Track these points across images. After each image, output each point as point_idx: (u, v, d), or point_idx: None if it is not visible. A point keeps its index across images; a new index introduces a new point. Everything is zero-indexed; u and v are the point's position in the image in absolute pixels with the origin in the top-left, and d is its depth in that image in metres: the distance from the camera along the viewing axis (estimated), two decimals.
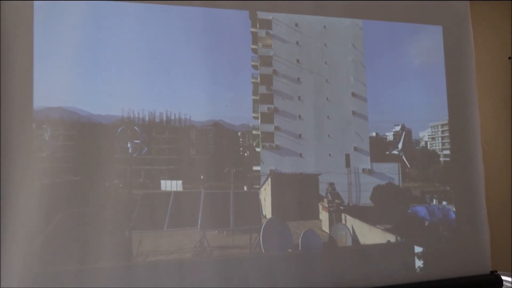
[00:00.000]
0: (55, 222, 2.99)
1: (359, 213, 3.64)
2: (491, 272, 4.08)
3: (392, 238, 3.56)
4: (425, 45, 4.23)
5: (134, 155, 3.26)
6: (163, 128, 3.42)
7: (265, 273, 3.00)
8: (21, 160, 3.03)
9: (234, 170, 3.47)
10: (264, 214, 3.35)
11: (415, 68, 4.13)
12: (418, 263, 3.75)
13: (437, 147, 4.15)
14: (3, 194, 2.94)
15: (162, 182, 3.37)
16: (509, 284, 4.13)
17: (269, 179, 3.47)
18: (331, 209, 3.37)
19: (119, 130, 3.25)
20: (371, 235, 3.57)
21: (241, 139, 3.62)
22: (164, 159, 3.43)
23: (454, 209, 4.01)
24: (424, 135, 4.14)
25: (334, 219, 3.49)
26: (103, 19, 3.37)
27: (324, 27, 3.89)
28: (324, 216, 3.45)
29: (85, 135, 3.25)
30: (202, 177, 3.37)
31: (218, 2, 3.58)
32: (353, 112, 3.87)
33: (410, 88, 4.07)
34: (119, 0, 3.38)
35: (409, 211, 3.88)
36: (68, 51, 3.24)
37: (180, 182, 3.38)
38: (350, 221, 3.44)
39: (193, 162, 3.45)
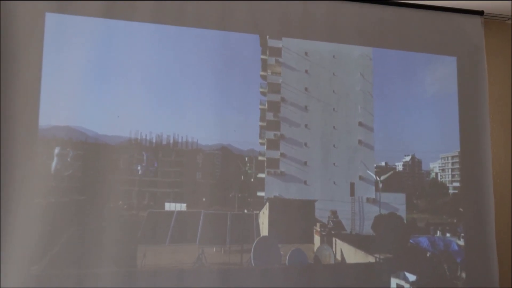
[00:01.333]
0: (61, 240, 3.02)
1: (358, 241, 3.60)
2: None
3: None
4: (439, 75, 4.17)
5: (142, 174, 3.28)
6: (170, 151, 3.41)
7: (253, 284, 3.07)
8: (27, 177, 3.01)
9: (240, 195, 3.48)
10: (261, 235, 3.37)
11: (427, 98, 4.08)
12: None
13: (447, 179, 4.09)
14: (6, 211, 2.92)
15: (167, 204, 3.34)
16: None
17: (267, 204, 3.47)
18: (323, 233, 3.41)
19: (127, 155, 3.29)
20: (356, 257, 3.55)
21: (248, 164, 3.61)
22: (170, 182, 3.40)
23: (459, 241, 3.91)
24: (434, 166, 4.09)
25: (326, 243, 3.47)
26: (114, 38, 3.37)
27: (334, 56, 3.87)
28: (316, 239, 3.48)
29: (91, 155, 3.24)
30: (204, 199, 3.38)
31: (229, 24, 3.59)
32: (360, 142, 3.82)
33: (422, 118, 4.02)
34: (132, 21, 3.39)
35: (411, 241, 3.82)
36: (77, 70, 3.24)
37: (184, 205, 3.39)
38: (340, 244, 3.45)
39: (198, 186, 3.42)
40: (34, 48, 3.17)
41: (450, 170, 4.09)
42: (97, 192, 3.19)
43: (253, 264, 3.10)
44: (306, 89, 3.80)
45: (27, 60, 3.14)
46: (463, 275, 3.86)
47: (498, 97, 4.40)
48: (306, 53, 3.84)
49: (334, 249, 3.47)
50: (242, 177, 3.49)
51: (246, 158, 3.60)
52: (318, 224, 3.51)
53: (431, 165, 4.09)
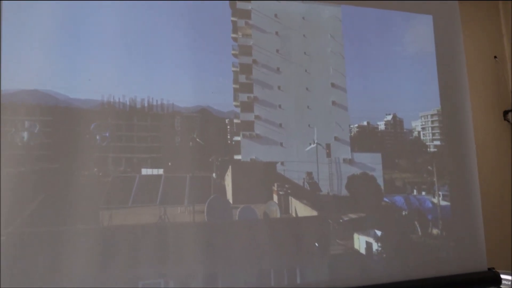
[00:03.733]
0: (32, 208, 2.81)
1: (333, 202, 3.56)
2: (489, 269, 3.93)
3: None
4: (415, 34, 4.13)
5: (104, 143, 3.09)
6: (145, 115, 3.19)
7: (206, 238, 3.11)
8: None
9: (220, 159, 3.35)
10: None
11: (405, 57, 4.05)
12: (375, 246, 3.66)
13: (428, 137, 4.06)
14: None
15: (144, 170, 3.14)
16: (508, 282, 3.94)
17: (230, 167, 3.36)
18: (281, 192, 3.39)
19: (92, 126, 3.08)
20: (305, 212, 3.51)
21: (228, 127, 3.47)
22: (147, 147, 3.20)
23: (433, 199, 3.91)
24: (416, 124, 4.05)
25: (283, 201, 3.43)
26: (85, 1, 3.11)
27: (303, 18, 3.73)
28: (275, 198, 3.43)
29: (62, 121, 2.97)
30: (182, 164, 3.26)
31: None
32: (333, 102, 3.73)
33: (400, 77, 3.99)
34: None
35: (386, 199, 3.78)
36: (43, 30, 2.97)
37: (162, 170, 3.24)
38: (294, 202, 3.44)
39: (176, 150, 3.26)
40: None
41: (430, 128, 4.05)
42: (71, 160, 2.93)
43: (206, 219, 3.10)
44: (277, 51, 3.65)
45: None
46: (434, 231, 3.86)
47: (475, 53, 4.43)
48: (275, 15, 3.69)
49: (290, 207, 3.43)
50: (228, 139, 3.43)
51: (227, 120, 3.47)
52: (275, 184, 3.43)
53: (413, 124, 4.05)
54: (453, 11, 4.24)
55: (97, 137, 3.08)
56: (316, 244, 3.40)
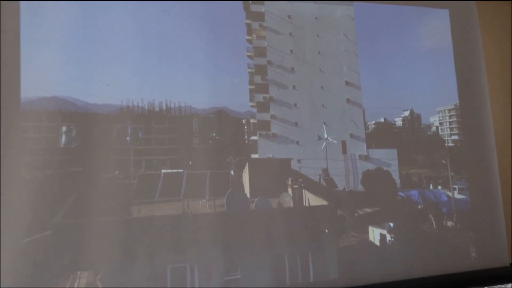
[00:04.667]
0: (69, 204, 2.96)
1: (349, 197, 3.58)
2: (511, 264, 3.86)
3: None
4: (432, 29, 4.08)
5: (135, 146, 3.17)
6: (163, 118, 3.26)
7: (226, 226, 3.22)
8: (21, 152, 2.83)
9: (237, 159, 3.40)
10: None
11: (421, 53, 4.00)
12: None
13: (446, 132, 4.04)
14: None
15: (163, 171, 3.26)
16: None
17: (247, 164, 3.43)
18: (294, 186, 3.47)
19: (129, 128, 3.17)
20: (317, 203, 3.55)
21: (245, 127, 3.53)
22: (165, 149, 3.27)
23: (449, 193, 3.88)
24: (434, 120, 4.02)
25: (296, 194, 3.49)
26: (101, 4, 3.16)
27: (316, 18, 3.75)
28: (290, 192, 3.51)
29: (83, 126, 3.05)
30: (201, 165, 3.33)
31: None
32: (348, 100, 3.74)
33: (416, 72, 3.95)
34: None
35: (402, 194, 3.77)
36: (60, 40, 3.03)
37: (181, 170, 3.31)
38: (307, 195, 3.51)
39: (194, 152, 3.33)
40: (11, 16, 2.92)
41: (448, 123, 4.03)
42: (93, 163, 2.99)
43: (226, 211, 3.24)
44: (291, 51, 3.68)
45: (4, 30, 2.89)
46: (449, 224, 3.83)
47: (493, 47, 4.28)
48: (289, 16, 3.72)
49: (304, 199, 3.50)
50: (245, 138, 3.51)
51: (244, 121, 3.53)
52: (290, 179, 3.49)
53: (431, 119, 4.03)
54: (471, 4, 4.17)
55: (128, 139, 3.17)
56: (326, 231, 3.44)
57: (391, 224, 3.63)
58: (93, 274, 2.90)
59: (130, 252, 2.95)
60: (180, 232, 3.07)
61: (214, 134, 3.38)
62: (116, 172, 3.11)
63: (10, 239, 2.74)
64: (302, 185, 3.48)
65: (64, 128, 3.04)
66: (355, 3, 3.90)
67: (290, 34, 3.72)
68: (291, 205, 3.44)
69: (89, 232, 2.90)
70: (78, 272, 2.87)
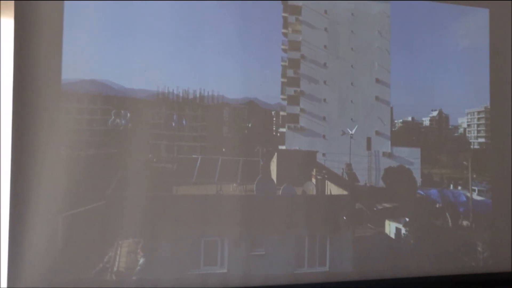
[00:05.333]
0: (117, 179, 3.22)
1: (369, 191, 3.73)
2: None
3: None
4: (469, 28, 4.07)
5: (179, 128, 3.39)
6: (196, 106, 3.40)
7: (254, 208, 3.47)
8: (63, 130, 3.06)
9: (264, 150, 3.52)
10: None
11: (455, 52, 4.01)
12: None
13: (473, 135, 4.05)
14: (39, 169, 2.97)
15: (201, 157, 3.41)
16: None
17: (275, 154, 3.59)
18: (318, 177, 3.63)
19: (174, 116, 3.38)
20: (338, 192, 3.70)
21: (274, 119, 3.64)
22: (196, 136, 3.39)
23: (468, 193, 3.93)
24: (463, 121, 4.03)
25: (319, 184, 3.66)
26: None
27: (352, 14, 3.78)
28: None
29: (121, 109, 3.22)
30: (230, 153, 3.51)
31: None
32: (376, 98, 3.79)
33: (448, 72, 3.97)
34: None
35: (421, 192, 3.85)
36: (101, 26, 3.19)
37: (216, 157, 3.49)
38: (329, 184, 3.68)
39: (224, 140, 3.45)
40: (55, 1, 3.10)
41: (476, 125, 4.04)
42: (129, 146, 3.21)
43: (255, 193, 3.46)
44: (325, 46, 3.74)
45: (47, 14, 3.07)
46: (464, 223, 3.90)
47: None
48: (325, 11, 3.76)
49: (326, 189, 3.67)
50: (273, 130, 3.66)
51: (273, 113, 3.64)
52: (314, 170, 3.63)
53: (459, 121, 4.05)
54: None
55: (173, 124, 3.37)
56: (344, 218, 3.61)
57: (407, 219, 3.74)
58: (134, 243, 3.19)
59: (169, 225, 3.25)
60: (213, 211, 3.35)
61: (245, 124, 3.51)
62: (150, 155, 3.30)
63: (52, 212, 3.00)
64: (326, 176, 3.61)
65: (114, 112, 3.22)
66: (392, 1, 3.92)
67: (325, 29, 3.78)
68: (314, 193, 3.60)
69: (132, 206, 3.19)
70: (119, 241, 3.15)
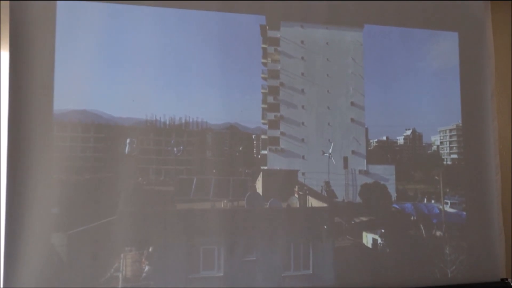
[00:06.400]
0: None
1: (347, 207, 3.93)
2: (502, 279, 4.02)
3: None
4: (439, 51, 4.26)
5: (178, 154, 3.65)
6: (182, 132, 3.62)
7: (245, 219, 3.78)
8: (45, 160, 3.29)
9: (247, 171, 3.76)
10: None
11: (428, 73, 4.20)
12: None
13: (445, 151, 4.22)
14: (28, 195, 3.20)
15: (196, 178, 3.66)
16: None
17: (261, 174, 3.83)
18: (300, 193, 3.89)
19: (127, 140, 3.56)
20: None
21: (255, 142, 3.83)
22: (182, 160, 3.61)
23: (441, 206, 4.11)
24: (436, 139, 4.20)
25: (302, 199, 3.91)
26: (121, 22, 3.57)
27: (327, 43, 4.00)
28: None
29: (112, 137, 3.48)
30: (214, 174, 3.76)
31: (232, 4, 3.80)
32: (352, 120, 3.99)
33: (420, 93, 4.16)
34: (137, 5, 3.59)
35: (396, 206, 4.03)
36: (90, 59, 3.45)
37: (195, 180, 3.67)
38: (310, 199, 3.93)
39: (207, 163, 3.67)
40: (47, 35, 3.34)
41: (448, 142, 4.22)
42: (120, 170, 3.47)
43: (246, 206, 3.77)
44: (302, 74, 3.96)
45: (40, 48, 3.32)
46: (438, 233, 4.07)
47: (506, 70, 4.43)
48: (302, 42, 3.98)
49: (308, 203, 3.93)
50: (254, 152, 3.87)
51: (254, 136, 3.84)
52: (297, 186, 3.88)
53: (432, 138, 4.22)
54: (480, 26, 4.35)
55: (174, 150, 3.66)
56: (325, 227, 3.88)
57: (383, 231, 3.95)
58: (138, 254, 3.50)
59: (171, 236, 3.56)
60: (209, 222, 3.65)
61: (241, 148, 3.78)
62: (140, 178, 3.53)
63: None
64: (307, 192, 3.85)
65: (128, 140, 3.53)
66: (366, 26, 4.15)
67: (302, 58, 4.00)
68: (297, 205, 3.87)
69: (136, 220, 3.50)
70: (122, 255, 3.46)
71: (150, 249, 3.52)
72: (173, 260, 3.56)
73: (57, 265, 3.28)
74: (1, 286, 3.13)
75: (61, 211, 3.30)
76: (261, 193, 3.78)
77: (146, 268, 3.50)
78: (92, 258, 3.36)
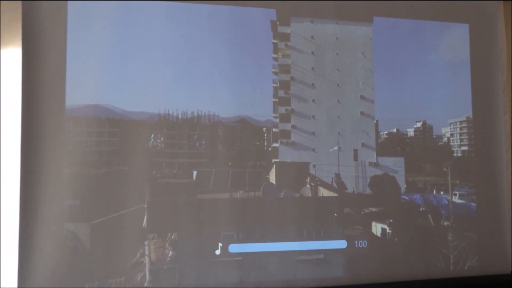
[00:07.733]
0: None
1: (357, 198, 3.97)
2: None
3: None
4: (450, 43, 4.23)
5: (201, 148, 3.73)
6: (195, 125, 3.66)
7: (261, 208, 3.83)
8: (57, 154, 3.35)
9: (258, 163, 3.79)
10: None
11: (438, 65, 4.18)
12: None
13: (456, 143, 4.20)
14: (44, 190, 3.26)
15: (194, 172, 3.66)
16: None
17: (274, 166, 3.86)
18: (312, 184, 3.93)
19: (151, 135, 3.63)
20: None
21: (265, 134, 3.85)
22: (195, 153, 3.65)
23: (449, 197, 4.09)
24: (446, 131, 4.19)
25: (313, 189, 3.95)
26: (133, 18, 3.60)
27: (337, 38, 4.01)
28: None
29: (126, 131, 3.53)
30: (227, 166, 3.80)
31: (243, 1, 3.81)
32: (361, 113, 3.99)
33: (431, 86, 4.15)
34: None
35: (405, 197, 4.03)
36: (102, 54, 3.48)
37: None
38: (321, 190, 3.97)
39: (220, 156, 3.72)
40: (58, 31, 3.38)
41: (458, 134, 4.20)
42: (135, 163, 3.52)
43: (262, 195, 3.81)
44: (312, 68, 3.97)
45: (52, 44, 3.36)
46: (445, 223, 4.05)
47: None
48: (312, 37, 3.99)
49: (319, 193, 3.97)
50: (265, 145, 3.91)
51: (264, 129, 3.87)
52: (308, 178, 3.92)
53: (443, 130, 4.21)
54: (491, 19, 4.31)
55: (196, 144, 3.72)
56: (335, 215, 3.92)
57: (391, 220, 3.96)
58: (162, 241, 3.61)
59: (193, 224, 3.65)
60: (228, 210, 3.72)
61: (257, 143, 3.84)
62: (153, 172, 3.58)
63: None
64: (318, 183, 3.89)
65: (152, 135, 3.61)
66: (376, 20, 4.15)
67: (312, 52, 4.01)
68: (309, 195, 3.91)
69: (159, 211, 3.59)
70: (146, 242, 3.55)
71: (173, 236, 3.61)
72: (195, 245, 3.66)
73: (81, 253, 3.38)
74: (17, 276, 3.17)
75: (82, 203, 3.39)
76: (275, 184, 3.83)
77: (170, 253, 3.59)
78: (117, 245, 3.45)
